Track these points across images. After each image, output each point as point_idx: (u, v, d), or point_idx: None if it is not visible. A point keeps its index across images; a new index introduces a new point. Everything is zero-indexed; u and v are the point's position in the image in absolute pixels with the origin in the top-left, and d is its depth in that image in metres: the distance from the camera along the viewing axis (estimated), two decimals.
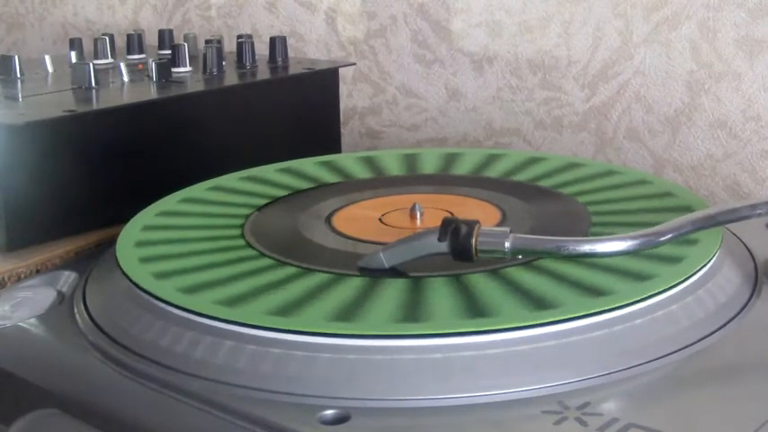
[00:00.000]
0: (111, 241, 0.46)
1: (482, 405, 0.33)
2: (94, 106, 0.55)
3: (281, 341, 0.35)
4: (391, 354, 0.34)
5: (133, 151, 0.55)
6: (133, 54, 0.72)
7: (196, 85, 0.60)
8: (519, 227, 0.44)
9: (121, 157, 0.54)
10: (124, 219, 0.48)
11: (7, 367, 0.38)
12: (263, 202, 0.51)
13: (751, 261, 0.43)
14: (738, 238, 0.46)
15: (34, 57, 0.71)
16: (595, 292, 0.37)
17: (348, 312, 0.36)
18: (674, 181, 0.63)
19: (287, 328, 0.35)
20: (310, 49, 0.83)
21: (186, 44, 0.66)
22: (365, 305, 0.37)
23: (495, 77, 0.72)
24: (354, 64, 0.79)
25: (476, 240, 0.38)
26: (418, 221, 0.46)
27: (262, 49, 0.71)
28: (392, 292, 0.38)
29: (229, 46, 0.77)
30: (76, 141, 0.52)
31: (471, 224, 0.38)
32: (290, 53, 0.69)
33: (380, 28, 0.78)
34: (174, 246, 0.45)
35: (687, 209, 0.45)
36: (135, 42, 0.72)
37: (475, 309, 0.36)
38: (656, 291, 0.37)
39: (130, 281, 0.40)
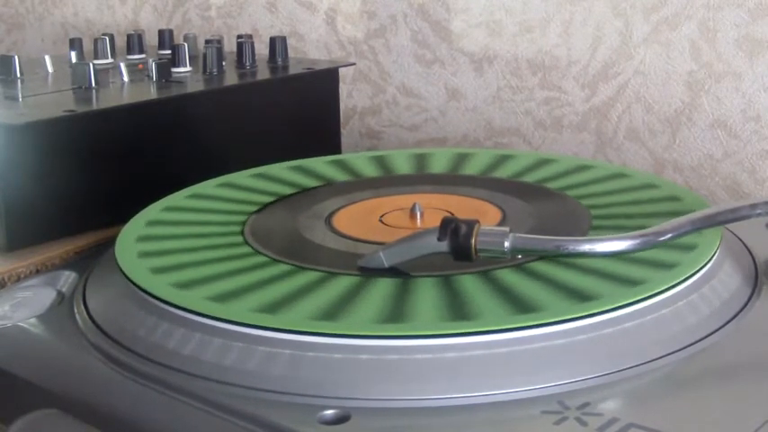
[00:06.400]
0: (111, 241, 0.46)
1: (482, 405, 0.33)
2: (94, 106, 0.55)
3: (282, 341, 0.35)
4: (392, 354, 0.34)
5: (133, 151, 0.55)
6: (133, 54, 0.72)
7: (196, 85, 0.60)
8: (519, 227, 0.44)
9: (121, 157, 0.54)
10: (124, 219, 0.48)
11: (7, 367, 0.38)
12: (262, 202, 0.51)
13: (751, 261, 0.43)
14: (738, 238, 0.46)
15: (34, 57, 0.71)
16: (595, 292, 0.37)
17: (349, 312, 0.36)
18: (673, 181, 0.63)
19: (288, 328, 0.35)
20: (310, 49, 0.83)
21: (186, 44, 0.66)
22: (366, 305, 0.37)
23: (495, 77, 0.72)
24: (354, 64, 0.79)
25: (475, 240, 0.38)
26: (418, 221, 0.46)
27: (262, 49, 0.71)
28: (393, 292, 0.38)
29: (229, 46, 0.77)
30: (76, 141, 0.52)
31: (471, 224, 0.38)
32: (290, 53, 0.69)
33: (380, 28, 0.78)
34: (174, 246, 0.45)
35: (679, 201, 0.45)
36: (135, 42, 0.72)
37: (475, 309, 0.36)
38: (657, 291, 0.37)
39: (130, 281, 0.40)
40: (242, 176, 0.55)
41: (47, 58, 0.67)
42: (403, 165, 0.56)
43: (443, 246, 0.39)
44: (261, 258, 0.43)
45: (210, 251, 0.44)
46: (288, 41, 0.69)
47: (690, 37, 0.63)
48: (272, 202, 0.51)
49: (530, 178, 0.53)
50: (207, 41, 0.68)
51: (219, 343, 0.36)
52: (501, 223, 0.46)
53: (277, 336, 0.35)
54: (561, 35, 0.68)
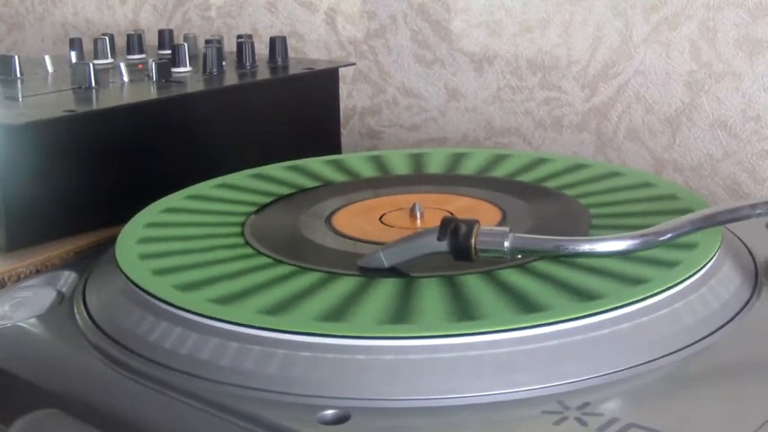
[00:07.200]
0: (111, 241, 0.46)
1: (482, 405, 0.33)
2: (94, 106, 0.55)
3: (282, 341, 0.35)
4: (391, 354, 0.34)
5: (133, 151, 0.55)
6: (133, 54, 0.72)
7: (196, 85, 0.60)
8: (519, 227, 0.44)
9: (121, 157, 0.54)
10: (124, 219, 0.48)
11: (7, 367, 0.38)
12: (263, 201, 0.51)
13: (751, 261, 0.43)
14: (738, 238, 0.46)
15: (34, 57, 0.71)
16: (595, 292, 0.37)
17: (349, 313, 0.36)
18: (674, 181, 0.63)
19: (288, 328, 0.35)
20: (310, 49, 0.83)
21: (186, 44, 0.66)
22: (366, 305, 0.37)
23: (495, 77, 0.72)
24: (354, 64, 0.79)
25: (475, 240, 0.38)
26: (418, 221, 0.46)
27: (262, 49, 0.71)
28: (393, 292, 0.38)
29: (229, 46, 0.77)
30: (76, 141, 0.52)
31: (471, 223, 0.38)
32: (290, 53, 0.69)
33: (380, 28, 0.78)
34: (174, 245, 0.45)
35: (686, 208, 0.45)
36: (135, 42, 0.72)
37: (475, 309, 0.36)
38: (657, 291, 0.37)
39: (130, 281, 0.40)
40: (241, 176, 0.55)
41: (47, 58, 0.67)
42: (400, 165, 0.56)
43: (443, 246, 0.39)
44: (263, 259, 0.43)
45: (211, 252, 0.44)
46: (288, 41, 0.69)
47: (690, 37, 0.63)
48: (273, 202, 0.51)
49: (530, 178, 0.53)
50: (207, 41, 0.68)
51: (219, 343, 0.36)
52: (501, 223, 0.46)
53: (277, 336, 0.35)
54: (561, 35, 0.68)
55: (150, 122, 0.56)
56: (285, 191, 0.52)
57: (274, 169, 0.56)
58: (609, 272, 0.39)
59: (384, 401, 0.33)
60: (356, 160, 0.57)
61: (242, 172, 0.55)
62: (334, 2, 0.80)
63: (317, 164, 0.57)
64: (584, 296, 0.37)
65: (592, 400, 0.32)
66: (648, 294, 0.37)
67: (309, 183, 0.54)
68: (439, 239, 0.39)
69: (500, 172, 0.54)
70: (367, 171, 0.55)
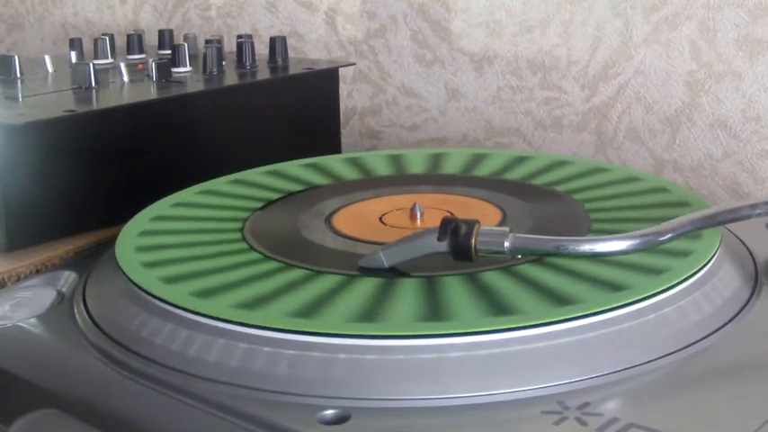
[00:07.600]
0: (111, 241, 0.46)
1: (482, 405, 0.33)
2: (94, 106, 0.55)
3: (281, 341, 0.35)
4: (391, 354, 0.34)
5: (133, 151, 0.55)
6: (133, 54, 0.72)
7: (196, 85, 0.60)
8: (519, 227, 0.44)
9: (121, 157, 0.54)
10: (124, 219, 0.48)
11: (7, 367, 0.38)
12: (262, 202, 0.51)
13: (751, 261, 0.43)
14: (738, 238, 0.46)
15: (34, 57, 0.71)
16: (595, 292, 0.37)
17: (349, 312, 0.36)
18: (674, 181, 0.63)
19: (287, 328, 0.35)
20: (310, 49, 0.83)
21: (186, 44, 0.66)
22: (368, 306, 0.37)
23: (495, 77, 0.72)
24: (354, 64, 0.79)
25: (475, 240, 0.38)
26: (418, 221, 0.46)
27: (262, 49, 0.71)
28: (396, 293, 0.38)
29: (229, 46, 0.77)
30: (76, 141, 0.52)
31: (471, 224, 0.38)
32: (290, 53, 0.69)
33: (380, 28, 0.78)
34: (174, 245, 0.45)
35: (685, 205, 0.46)
36: (135, 42, 0.72)
37: (476, 309, 0.36)
38: (657, 291, 0.37)
39: (130, 280, 0.40)
40: (253, 174, 0.55)
41: (47, 58, 0.67)
42: (418, 165, 0.56)
43: (443, 246, 0.39)
44: (256, 256, 0.43)
45: (205, 247, 0.44)
46: (288, 41, 0.69)
47: (690, 37, 0.63)
48: (273, 201, 0.51)
49: (543, 181, 0.53)
50: (207, 41, 0.68)
51: (219, 343, 0.36)
52: (501, 223, 0.46)
53: (277, 335, 0.35)
54: (561, 35, 0.68)
55: (150, 122, 0.56)
56: (298, 188, 0.52)
57: (290, 167, 0.56)
58: (608, 273, 0.39)
59: (384, 401, 0.33)
60: (375, 159, 0.57)
61: (257, 169, 0.55)
62: (334, 2, 0.80)
63: (335, 162, 0.57)
64: (584, 297, 0.37)
65: (592, 400, 0.32)
66: (648, 294, 0.37)
67: (324, 181, 0.54)
68: (439, 239, 0.39)
69: (516, 174, 0.54)
70: (385, 170, 0.55)
